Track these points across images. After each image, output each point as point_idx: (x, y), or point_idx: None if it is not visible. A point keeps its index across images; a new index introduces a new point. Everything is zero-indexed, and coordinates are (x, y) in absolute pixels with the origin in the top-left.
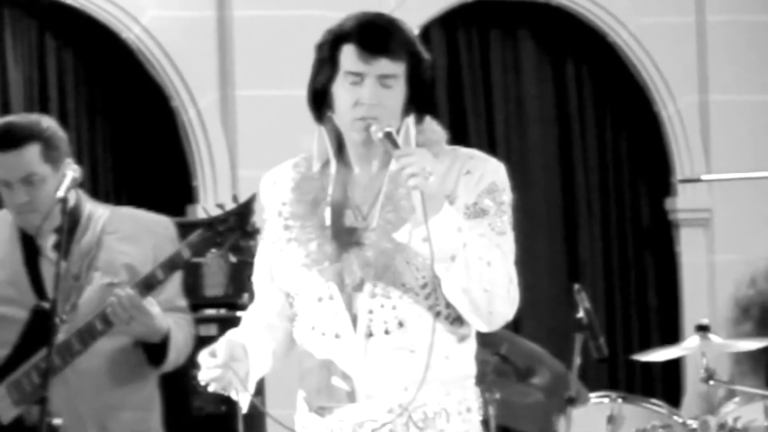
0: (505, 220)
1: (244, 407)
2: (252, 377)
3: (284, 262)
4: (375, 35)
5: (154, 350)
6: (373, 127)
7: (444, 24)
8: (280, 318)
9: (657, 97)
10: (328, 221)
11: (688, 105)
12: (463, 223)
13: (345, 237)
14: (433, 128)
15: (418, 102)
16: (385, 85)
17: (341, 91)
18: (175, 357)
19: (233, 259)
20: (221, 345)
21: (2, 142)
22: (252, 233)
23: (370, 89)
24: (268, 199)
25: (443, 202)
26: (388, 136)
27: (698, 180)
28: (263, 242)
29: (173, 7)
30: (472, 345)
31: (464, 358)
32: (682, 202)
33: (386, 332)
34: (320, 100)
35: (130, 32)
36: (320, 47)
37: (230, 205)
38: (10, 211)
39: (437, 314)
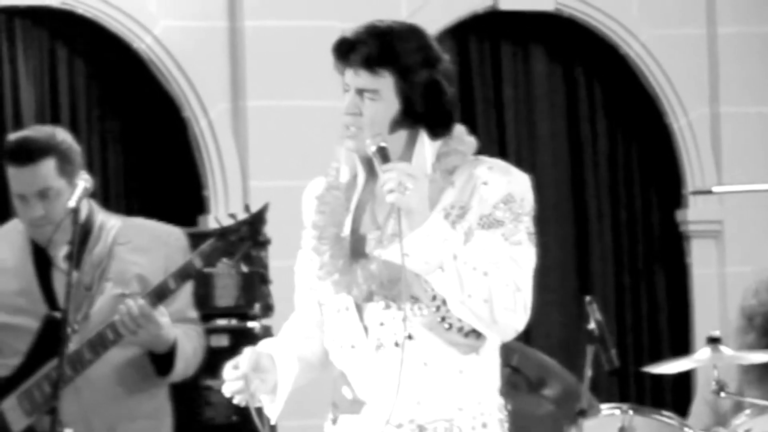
0: (521, 231)
1: (272, 418)
2: (282, 388)
3: (313, 273)
4: (351, 49)
5: (161, 360)
6: (368, 140)
7: (455, 35)
8: (318, 328)
9: (668, 109)
10: (346, 232)
11: (699, 117)
12: (451, 235)
13: (359, 247)
14: (462, 139)
15: (416, 119)
16: (365, 98)
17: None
18: (183, 367)
19: (245, 269)
20: (245, 356)
21: (18, 157)
22: (263, 243)
23: (350, 99)
24: (306, 208)
25: (425, 216)
26: (380, 150)
27: (709, 192)
28: (302, 252)
29: (185, 17)
30: (489, 358)
31: (480, 371)
32: (693, 213)
33: (396, 344)
34: None
35: (142, 42)
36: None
37: (242, 215)
38: (24, 224)
39: (449, 326)
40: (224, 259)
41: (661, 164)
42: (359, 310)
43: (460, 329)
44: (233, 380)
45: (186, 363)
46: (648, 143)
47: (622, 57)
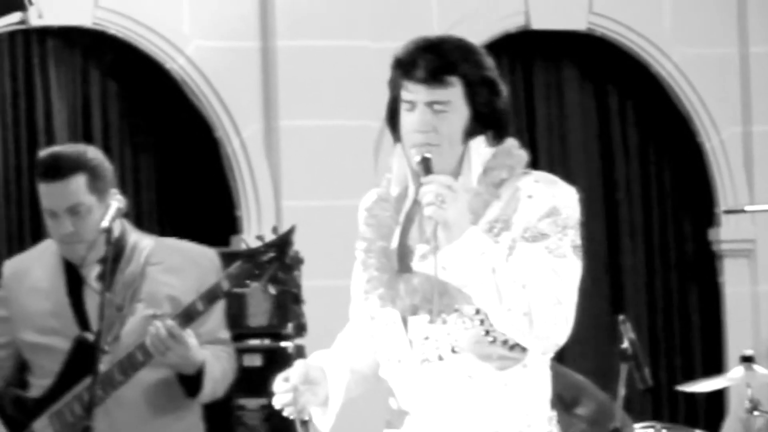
0: (566, 244)
1: (324, 430)
2: (334, 400)
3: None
4: (421, 62)
5: (190, 382)
6: (413, 150)
7: (488, 54)
8: (371, 340)
9: (700, 128)
10: (394, 245)
11: (731, 136)
12: (490, 248)
13: (406, 261)
14: (511, 152)
15: (484, 124)
16: (437, 111)
17: (402, 117)
18: (211, 389)
19: (273, 290)
20: (295, 369)
21: (49, 173)
22: (291, 265)
23: (420, 116)
24: (360, 220)
25: (463, 229)
26: (424, 161)
27: (742, 211)
28: (357, 264)
29: (217, 37)
30: (537, 370)
31: (527, 384)
32: (726, 232)
33: (440, 358)
34: (393, 122)
35: (174, 63)
36: (392, 68)
37: (270, 237)
38: (56, 241)
39: (493, 340)
40: (252, 282)
41: (693, 183)
42: (405, 323)
43: (505, 342)
44: (283, 393)
45: (214, 384)
46: (680, 162)
47: (653, 76)
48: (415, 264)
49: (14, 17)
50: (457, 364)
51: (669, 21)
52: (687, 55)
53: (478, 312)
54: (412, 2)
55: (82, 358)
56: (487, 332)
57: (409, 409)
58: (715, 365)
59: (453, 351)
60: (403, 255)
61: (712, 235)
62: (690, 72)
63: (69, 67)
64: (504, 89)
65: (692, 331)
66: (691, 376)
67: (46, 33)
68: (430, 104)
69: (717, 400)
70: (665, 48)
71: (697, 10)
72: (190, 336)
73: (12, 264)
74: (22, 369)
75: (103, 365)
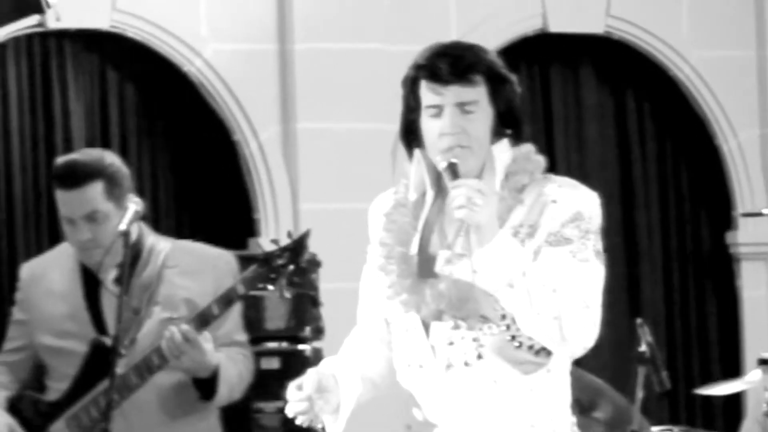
0: (589, 248)
1: (335, 428)
2: (345, 407)
3: (379, 290)
4: (444, 64)
5: (205, 385)
6: (438, 157)
7: (506, 57)
8: (383, 345)
9: (718, 131)
10: (414, 251)
11: (748, 139)
12: (520, 252)
13: (427, 266)
14: (529, 157)
15: (507, 124)
16: (465, 112)
17: (426, 124)
18: (227, 392)
19: (288, 294)
20: (308, 377)
21: (66, 180)
22: (306, 269)
23: (450, 118)
24: (372, 223)
25: (494, 233)
26: (450, 166)
27: (759, 214)
28: (367, 267)
29: (235, 40)
30: (560, 375)
31: (551, 388)
32: (743, 235)
33: (466, 364)
34: (410, 135)
35: (192, 65)
36: (404, 83)
37: (285, 241)
38: (73, 247)
39: (519, 345)
40: (268, 285)
41: (710, 186)
42: (426, 329)
43: (530, 347)
44: (297, 401)
45: (230, 388)
46: (698, 165)
47: (671, 79)
48: (440, 269)
49: (32, 20)
50: (483, 369)
51: (686, 24)
52: (704, 58)
53: (504, 317)
54: (431, 5)
55: (98, 362)
56: (513, 337)
57: (435, 418)
58: (732, 368)
59: (479, 357)
60: (425, 261)
61: (729, 238)
62: (707, 75)
63: (86, 70)
64: (519, 89)
65: (709, 334)
66: (708, 379)
67: (63, 36)
68: (459, 105)
69: (734, 403)
70: (683, 51)
71: (715, 13)
72: (206, 339)
73: (29, 267)
74: (39, 372)
75: (120, 369)
